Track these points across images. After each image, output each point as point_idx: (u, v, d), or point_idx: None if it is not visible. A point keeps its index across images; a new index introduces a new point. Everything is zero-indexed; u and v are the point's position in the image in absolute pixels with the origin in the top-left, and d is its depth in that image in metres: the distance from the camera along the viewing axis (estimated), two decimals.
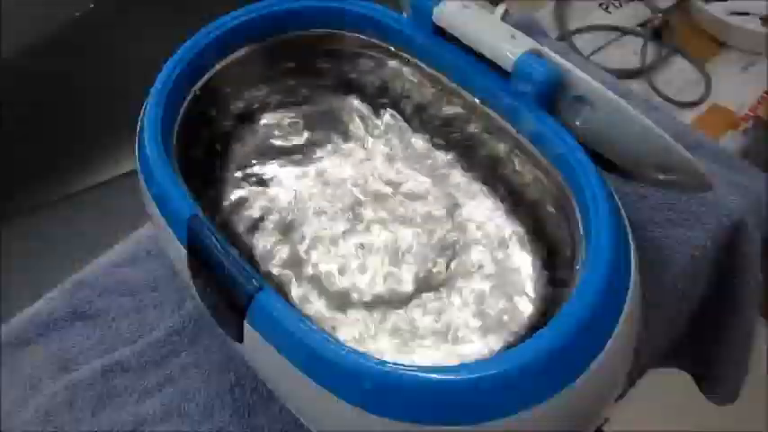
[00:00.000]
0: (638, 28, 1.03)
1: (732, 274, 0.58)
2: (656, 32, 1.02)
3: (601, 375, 0.37)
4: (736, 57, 1.00)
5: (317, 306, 0.43)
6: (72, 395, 0.50)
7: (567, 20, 1.04)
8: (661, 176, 0.44)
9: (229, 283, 0.39)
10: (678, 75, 1.00)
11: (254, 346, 0.39)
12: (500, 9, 0.56)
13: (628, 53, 1.01)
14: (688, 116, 0.97)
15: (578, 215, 0.41)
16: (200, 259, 0.41)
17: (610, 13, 1.05)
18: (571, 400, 0.36)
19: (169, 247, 0.44)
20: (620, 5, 1.06)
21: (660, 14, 1.02)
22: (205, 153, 0.49)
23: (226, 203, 0.48)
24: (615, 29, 1.03)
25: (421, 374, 0.35)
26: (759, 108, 0.93)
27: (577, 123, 0.44)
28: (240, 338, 0.40)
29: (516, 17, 0.69)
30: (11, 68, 0.69)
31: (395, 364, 0.37)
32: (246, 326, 0.39)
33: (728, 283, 0.58)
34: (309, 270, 0.45)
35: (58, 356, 0.52)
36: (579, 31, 1.03)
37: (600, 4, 1.06)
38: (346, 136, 0.51)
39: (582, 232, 0.40)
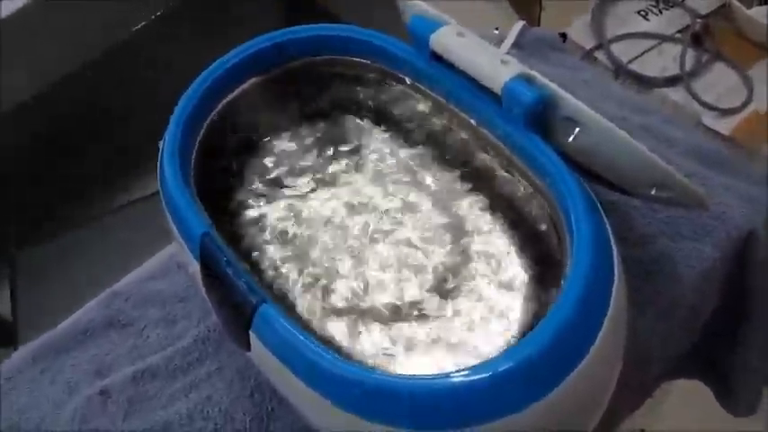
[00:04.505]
0: (678, 34, 1.02)
1: (745, 287, 0.58)
2: (696, 38, 1.00)
3: (584, 381, 0.38)
4: None
5: (326, 318, 0.45)
6: (106, 398, 0.54)
7: (605, 28, 1.04)
8: (655, 192, 0.45)
9: (236, 296, 0.42)
10: (719, 81, 0.98)
11: (260, 355, 0.42)
12: (518, 25, 0.58)
13: (667, 60, 1.00)
14: (729, 123, 0.96)
15: (567, 234, 0.43)
16: (212, 274, 0.44)
17: (648, 20, 1.04)
18: (557, 402, 0.37)
19: (187, 262, 0.47)
20: (659, 12, 1.04)
21: (700, 20, 1.01)
22: (222, 174, 0.52)
23: (241, 220, 0.50)
24: (654, 36, 1.02)
25: (409, 382, 0.38)
26: None
27: (569, 141, 0.45)
28: (248, 348, 0.43)
29: (535, 32, 0.70)
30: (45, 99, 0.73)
31: (383, 372, 0.39)
32: (252, 336, 0.42)
33: (741, 295, 0.58)
34: (321, 283, 0.47)
35: (94, 362, 0.56)
36: (617, 39, 1.02)
37: (638, 12, 1.05)
38: (354, 157, 0.53)
39: (569, 249, 0.42)
